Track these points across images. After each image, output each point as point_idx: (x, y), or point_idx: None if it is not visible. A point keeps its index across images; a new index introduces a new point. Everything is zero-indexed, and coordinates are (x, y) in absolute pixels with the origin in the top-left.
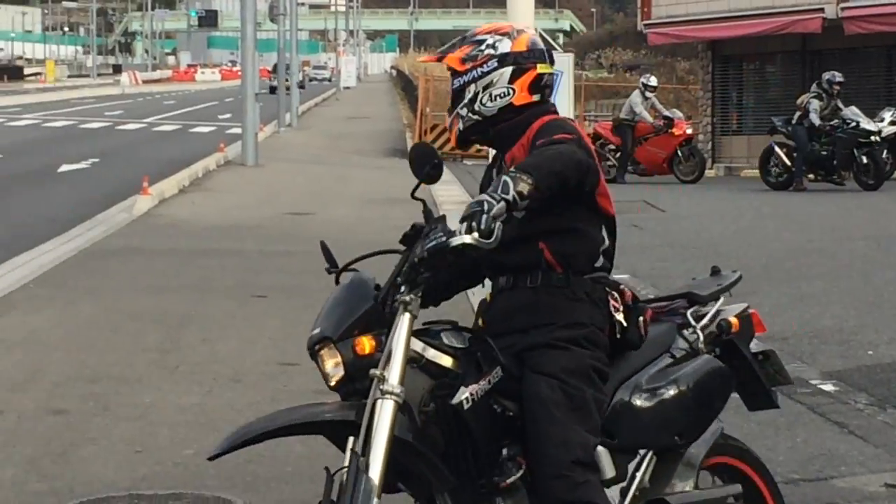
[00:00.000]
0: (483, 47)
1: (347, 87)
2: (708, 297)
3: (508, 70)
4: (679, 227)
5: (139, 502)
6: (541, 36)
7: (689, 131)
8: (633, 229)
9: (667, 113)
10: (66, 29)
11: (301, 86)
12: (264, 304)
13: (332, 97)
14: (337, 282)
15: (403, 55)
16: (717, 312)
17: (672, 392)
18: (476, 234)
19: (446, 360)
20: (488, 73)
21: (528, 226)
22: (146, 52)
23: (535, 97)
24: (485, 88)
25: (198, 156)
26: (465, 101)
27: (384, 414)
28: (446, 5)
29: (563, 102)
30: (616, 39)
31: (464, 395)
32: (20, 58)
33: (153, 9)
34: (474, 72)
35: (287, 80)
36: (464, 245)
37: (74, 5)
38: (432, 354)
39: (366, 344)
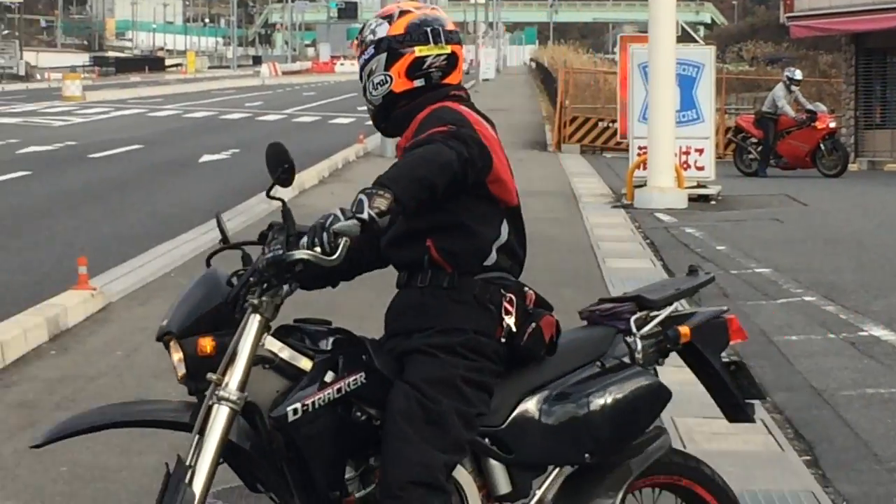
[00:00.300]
0: (366, 33)
1: (486, 79)
2: (659, 301)
3: (384, 56)
4: (822, 222)
5: None
6: (682, 28)
7: (833, 125)
8: (774, 223)
9: (810, 106)
10: (207, 20)
11: None
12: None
13: (472, 89)
14: (208, 264)
15: (542, 47)
16: (668, 319)
17: (586, 406)
18: (318, 250)
19: (304, 363)
20: (368, 60)
21: (415, 221)
22: (286, 43)
23: (417, 83)
24: (368, 76)
25: (337, 147)
26: (363, 90)
27: (216, 421)
28: None
29: (706, 95)
30: (757, 32)
31: (290, 406)
32: (161, 49)
33: (293, 0)
34: (360, 59)
35: None
36: (301, 260)
37: None
38: (288, 355)
39: (206, 345)
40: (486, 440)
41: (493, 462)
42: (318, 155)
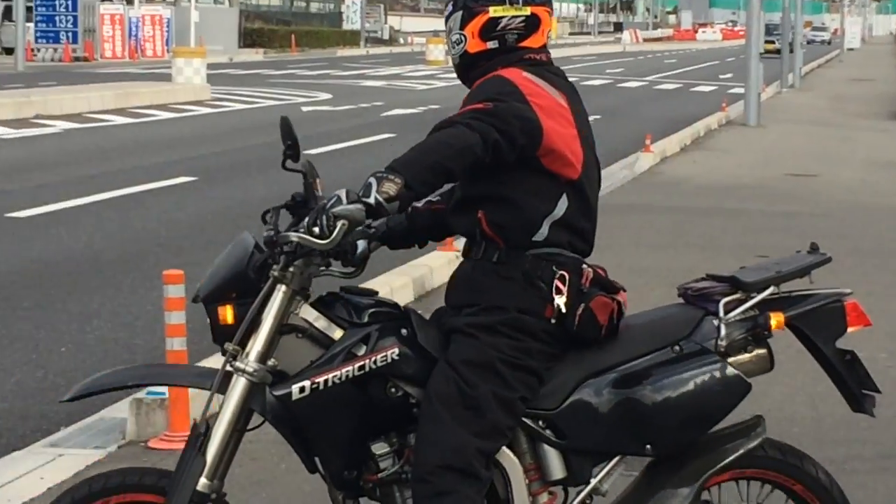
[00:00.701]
0: None
1: (851, 49)
2: (755, 283)
3: (460, 14)
4: None
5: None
6: None
7: None
8: None
9: None
10: None
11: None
12: None
13: (836, 59)
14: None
15: None
16: (767, 303)
17: (649, 394)
18: (316, 231)
19: (338, 334)
20: (448, 17)
21: (469, 189)
22: (647, 10)
23: (491, 44)
24: (448, 34)
25: (699, 115)
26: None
27: (232, 392)
28: None
29: None
30: None
31: (298, 384)
32: None
33: None
34: (445, 17)
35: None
36: (296, 242)
37: None
38: (323, 325)
39: (228, 313)
40: (540, 423)
41: (546, 446)
42: (679, 122)
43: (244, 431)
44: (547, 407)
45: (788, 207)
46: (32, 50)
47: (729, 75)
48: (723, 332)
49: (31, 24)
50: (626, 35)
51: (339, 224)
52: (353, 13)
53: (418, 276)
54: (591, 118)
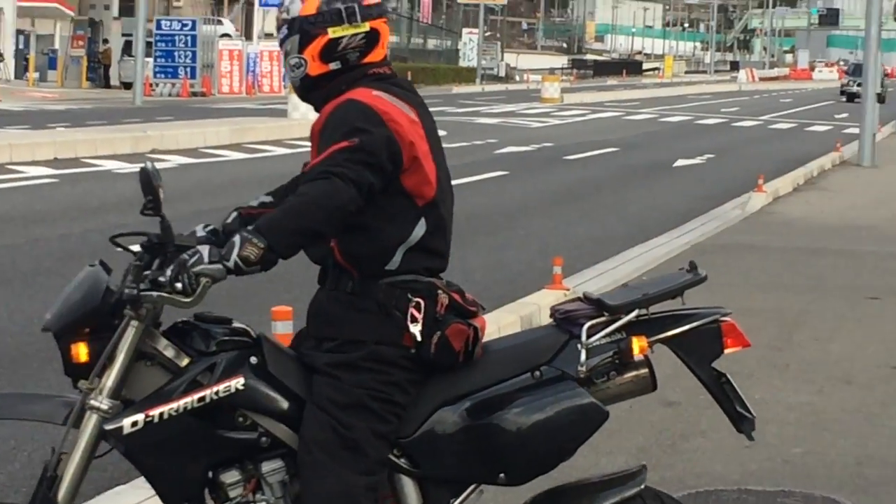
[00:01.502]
0: (281, 10)
1: None
2: (621, 306)
3: (297, 38)
4: None
5: (748, 497)
6: None
7: None
8: None
9: None
10: (686, 25)
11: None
12: (877, 305)
13: None
14: (115, 244)
15: None
16: (637, 325)
17: (503, 421)
18: (179, 286)
19: (184, 362)
20: (283, 40)
21: None
22: (764, 49)
23: (333, 66)
24: (286, 58)
25: (813, 154)
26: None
27: (84, 430)
28: None
29: None
30: None
31: (129, 418)
32: (639, 52)
33: (774, 6)
34: (278, 37)
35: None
36: (153, 299)
37: (695, 1)
38: (172, 353)
39: (81, 351)
40: (395, 451)
41: (402, 476)
42: (793, 162)
43: (93, 458)
44: (402, 434)
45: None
46: (151, 85)
47: (844, 115)
48: (582, 357)
49: (150, 60)
50: (741, 74)
51: (202, 282)
52: (470, 50)
53: (526, 314)
54: (703, 157)
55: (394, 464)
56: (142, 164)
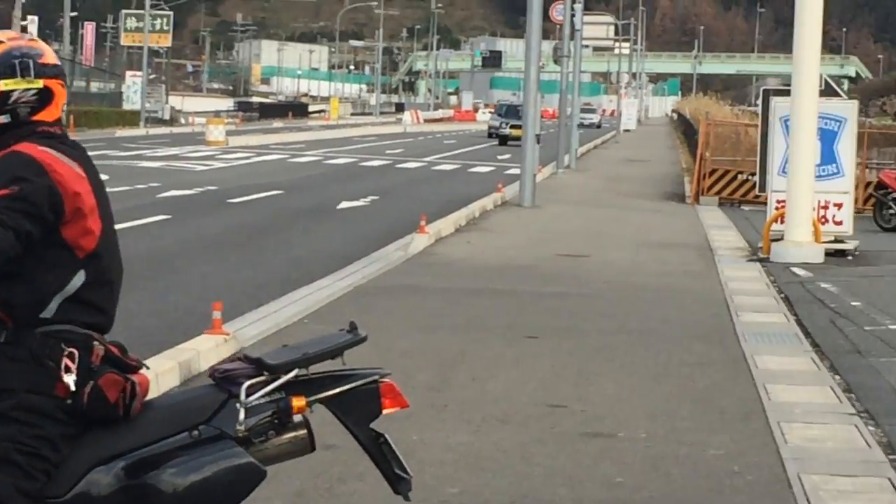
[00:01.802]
0: None
1: (627, 130)
2: (280, 365)
3: None
4: None
5: None
6: (826, 82)
7: None
8: None
9: None
10: (352, 67)
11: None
12: (535, 344)
13: (612, 139)
14: None
15: (685, 98)
16: (285, 386)
17: (158, 482)
18: None
19: None
20: None
21: None
22: (429, 90)
23: (3, 118)
24: None
25: (475, 196)
26: None
27: None
28: (730, 49)
29: (847, 149)
30: None
31: None
32: (305, 95)
33: (438, 49)
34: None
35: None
36: None
37: (361, 44)
38: None
39: None
40: None
41: None
42: (456, 203)
43: None
44: (55, 494)
45: (559, 288)
46: None
47: (507, 156)
48: (241, 416)
49: None
50: (406, 116)
51: None
52: (134, 93)
53: (185, 360)
54: (368, 199)
55: None
56: None
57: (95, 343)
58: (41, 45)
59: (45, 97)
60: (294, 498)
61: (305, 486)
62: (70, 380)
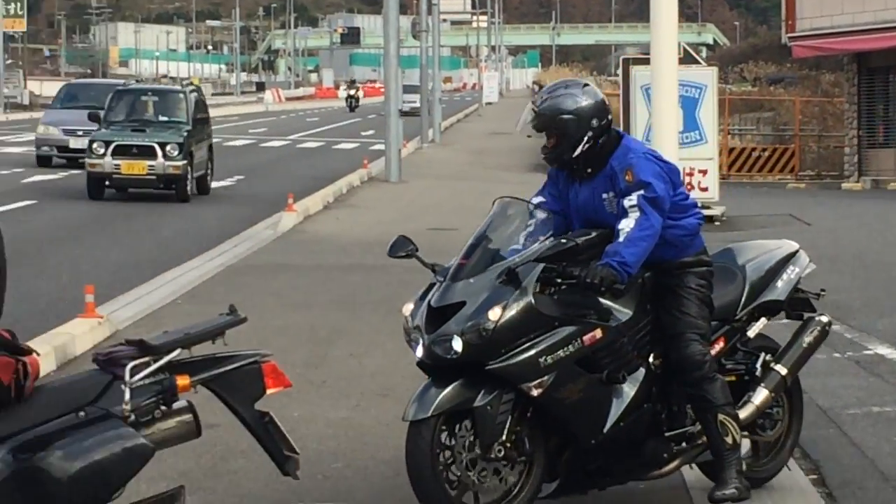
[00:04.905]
0: None
1: (489, 103)
2: (162, 346)
3: None
4: (826, 241)
5: None
6: (684, 50)
7: None
8: None
9: None
10: (210, 47)
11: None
12: None
13: (475, 112)
14: None
15: (545, 70)
16: (178, 366)
17: (46, 461)
18: None
19: None
20: None
21: None
22: (289, 69)
23: None
24: None
25: (341, 172)
26: None
27: None
28: (588, 20)
29: (708, 115)
30: (759, 52)
31: None
32: (164, 76)
33: (296, 27)
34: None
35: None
36: None
37: (218, 24)
38: None
39: None
40: None
41: None
42: (322, 180)
43: None
44: None
45: (430, 261)
46: None
47: (371, 132)
48: (127, 396)
49: None
50: (268, 94)
51: None
52: None
53: (60, 344)
54: (234, 179)
55: None
56: None
57: None
58: None
59: None
60: (179, 477)
61: (189, 466)
62: None
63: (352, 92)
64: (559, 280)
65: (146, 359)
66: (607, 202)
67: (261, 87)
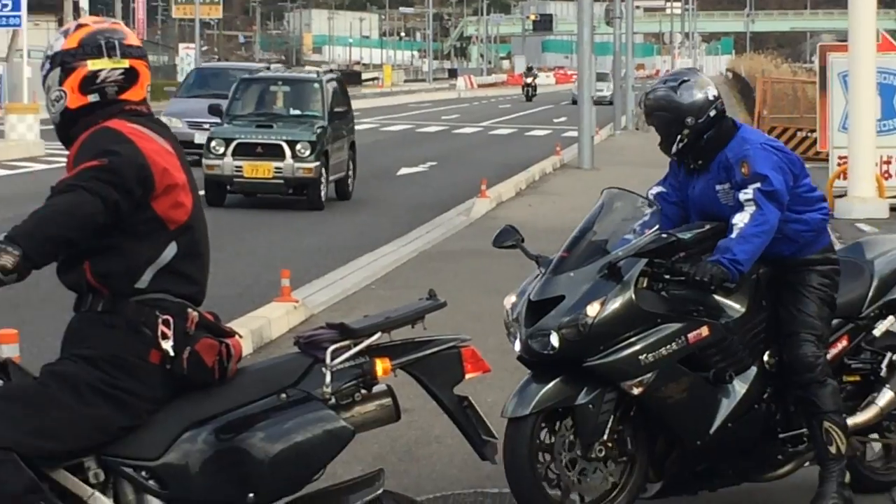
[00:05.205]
0: (47, 48)
1: None
2: (362, 330)
3: (58, 71)
4: None
5: (484, 499)
6: (882, 36)
7: None
8: None
9: None
10: (403, 34)
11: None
12: None
13: None
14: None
15: (739, 57)
16: (377, 349)
17: (251, 442)
18: None
19: None
20: (45, 76)
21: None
22: (481, 56)
23: (92, 98)
24: (47, 93)
25: (534, 159)
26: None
27: None
28: (783, 7)
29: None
30: None
31: None
32: (357, 63)
33: (489, 13)
34: (43, 76)
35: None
36: None
37: (411, 11)
38: None
39: None
40: (143, 473)
41: (150, 497)
42: (515, 167)
43: None
44: (149, 456)
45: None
46: None
47: (563, 119)
48: (327, 379)
49: None
50: (460, 81)
51: None
52: (188, 65)
53: (256, 328)
54: (426, 165)
55: (142, 486)
56: None
57: (189, 310)
58: (124, 27)
59: (131, 77)
60: (374, 461)
61: (385, 450)
62: (168, 346)
63: (528, 80)
64: (667, 276)
65: (347, 342)
66: (722, 194)
67: (453, 73)
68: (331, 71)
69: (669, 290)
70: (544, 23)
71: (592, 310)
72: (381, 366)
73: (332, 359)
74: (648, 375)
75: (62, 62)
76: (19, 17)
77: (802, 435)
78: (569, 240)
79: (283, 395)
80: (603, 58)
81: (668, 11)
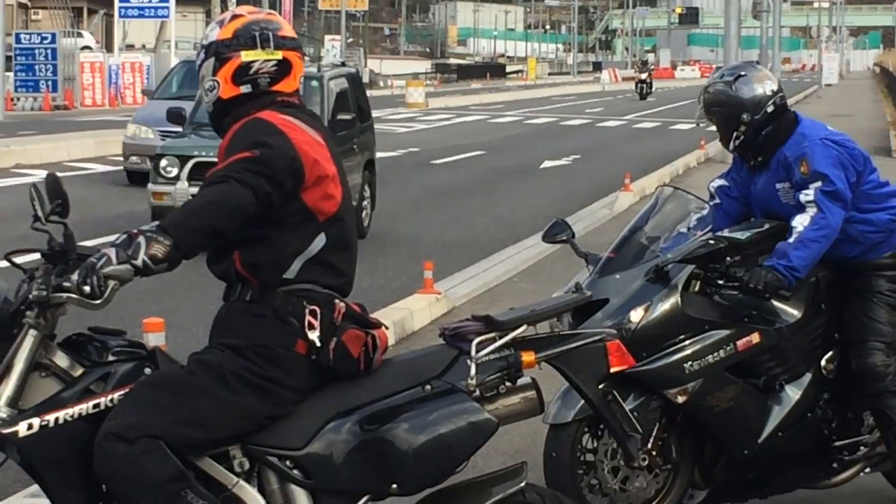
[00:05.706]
0: (202, 37)
1: (828, 84)
2: (508, 322)
3: (212, 61)
4: None
5: None
6: None
7: None
8: None
9: None
10: (548, 27)
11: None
12: None
13: (813, 94)
14: (11, 262)
15: (887, 51)
16: (522, 342)
17: (395, 433)
18: (87, 290)
19: (78, 371)
20: (200, 65)
21: None
22: (626, 49)
23: (244, 88)
24: (201, 82)
25: (678, 153)
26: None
27: None
28: None
29: None
30: None
31: (26, 421)
32: (502, 55)
33: (634, 6)
34: (195, 65)
35: None
36: (62, 301)
37: (556, 3)
38: (66, 364)
39: None
40: (287, 463)
41: (294, 487)
42: (659, 160)
43: None
44: (294, 446)
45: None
46: (12, 99)
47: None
48: (472, 371)
49: (11, 74)
50: (605, 74)
51: (110, 284)
52: (333, 56)
53: (399, 319)
54: (570, 158)
55: (286, 475)
56: (49, 172)
57: (336, 301)
58: (279, 18)
59: (284, 68)
60: (515, 454)
61: (525, 443)
62: (314, 336)
63: (643, 76)
64: (720, 282)
65: (492, 334)
66: (782, 193)
67: (597, 66)
68: (342, 65)
69: (720, 296)
70: (690, 16)
71: (636, 315)
72: (525, 359)
73: (478, 351)
74: (693, 384)
75: (216, 52)
76: (168, 8)
77: (860, 443)
78: (617, 240)
79: (428, 387)
80: (749, 52)
81: (816, 5)
